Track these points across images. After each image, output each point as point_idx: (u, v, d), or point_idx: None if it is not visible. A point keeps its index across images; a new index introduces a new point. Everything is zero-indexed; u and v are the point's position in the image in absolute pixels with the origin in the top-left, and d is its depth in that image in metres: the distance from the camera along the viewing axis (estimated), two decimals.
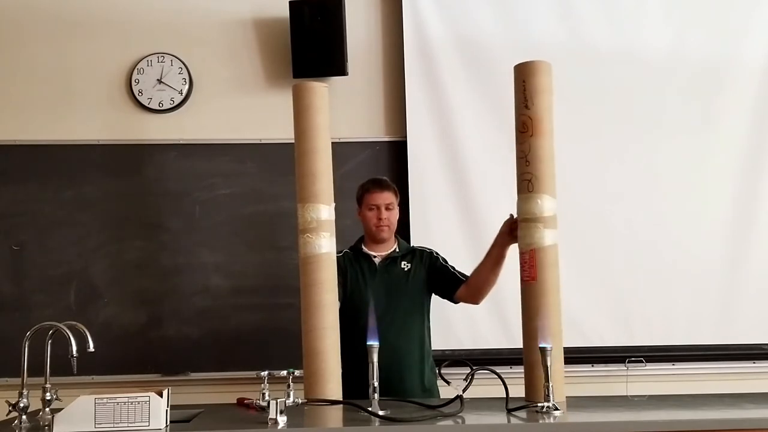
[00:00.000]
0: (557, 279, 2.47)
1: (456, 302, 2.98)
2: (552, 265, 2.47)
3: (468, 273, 2.93)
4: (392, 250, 2.97)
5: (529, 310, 2.49)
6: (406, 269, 2.94)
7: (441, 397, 2.83)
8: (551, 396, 2.26)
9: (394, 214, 2.96)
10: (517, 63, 2.59)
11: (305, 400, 2.37)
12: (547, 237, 2.46)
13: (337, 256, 2.87)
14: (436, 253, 3.02)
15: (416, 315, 2.92)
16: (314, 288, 2.52)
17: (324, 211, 2.56)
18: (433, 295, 3.01)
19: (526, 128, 2.54)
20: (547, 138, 2.53)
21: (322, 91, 2.65)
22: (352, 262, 2.96)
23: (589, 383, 3.43)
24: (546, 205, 2.48)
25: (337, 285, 2.60)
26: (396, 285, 2.91)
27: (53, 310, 3.47)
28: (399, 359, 2.81)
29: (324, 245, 2.54)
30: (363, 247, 2.98)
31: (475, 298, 2.90)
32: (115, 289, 3.57)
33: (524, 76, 2.57)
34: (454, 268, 2.98)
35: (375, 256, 2.96)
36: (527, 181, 2.52)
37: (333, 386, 2.47)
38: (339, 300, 2.62)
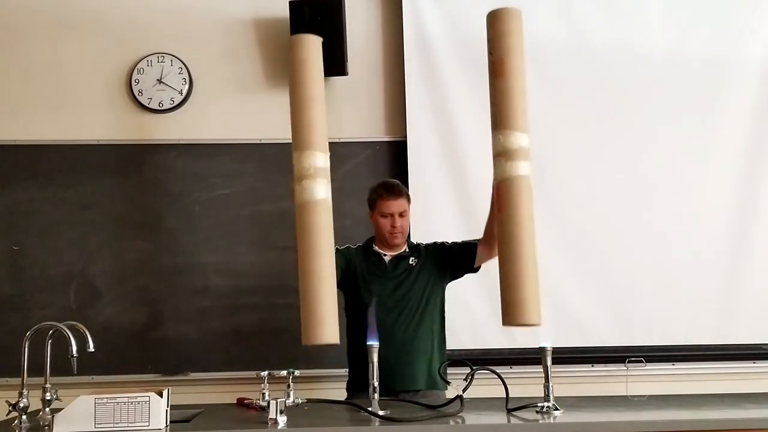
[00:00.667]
0: (529, 209, 2.42)
1: (477, 269, 2.96)
2: (518, 195, 2.41)
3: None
4: (402, 250, 2.98)
5: (500, 237, 2.45)
6: (413, 264, 2.94)
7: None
8: (551, 396, 2.26)
9: (407, 221, 2.96)
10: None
11: (305, 400, 2.37)
12: (510, 169, 2.42)
13: (345, 248, 2.87)
14: (435, 242, 3.02)
15: (426, 310, 2.91)
16: (311, 233, 2.48)
17: (321, 158, 2.54)
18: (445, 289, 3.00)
19: (491, 72, 2.55)
20: (509, 78, 2.50)
21: (316, 43, 2.67)
22: (361, 257, 2.97)
23: (589, 383, 3.43)
24: (509, 139, 2.45)
25: (333, 233, 2.54)
26: (405, 280, 2.91)
27: (53, 310, 3.47)
28: (408, 354, 2.82)
29: (321, 191, 2.51)
30: (374, 246, 2.99)
31: (493, 249, 2.81)
32: (115, 289, 3.57)
33: (489, 23, 2.62)
34: (457, 242, 2.99)
35: (385, 255, 2.97)
36: (493, 122, 2.53)
37: (330, 330, 2.39)
38: (337, 283, 2.59)
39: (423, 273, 2.93)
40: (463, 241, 2.99)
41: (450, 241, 3.02)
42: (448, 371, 2.86)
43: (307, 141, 2.56)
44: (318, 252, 2.45)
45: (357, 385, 2.52)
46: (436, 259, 2.96)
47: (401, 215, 2.93)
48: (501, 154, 2.45)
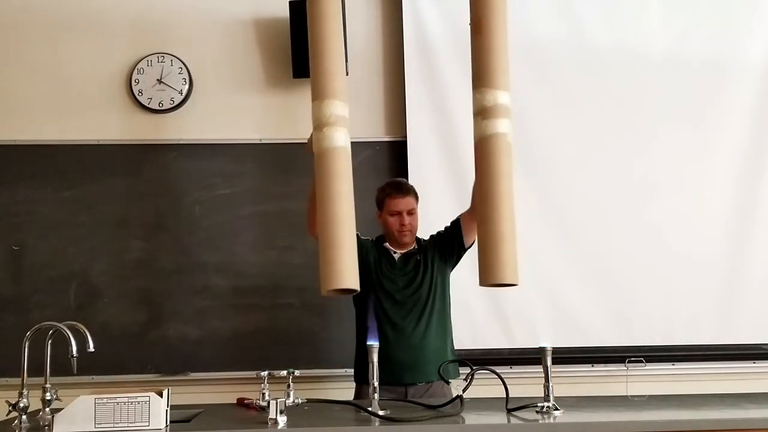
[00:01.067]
0: (506, 165, 2.38)
1: (470, 246, 2.94)
2: (496, 153, 2.37)
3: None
4: (412, 247, 3.01)
5: (478, 197, 2.43)
6: (419, 260, 2.96)
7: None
8: (551, 396, 2.26)
9: (416, 218, 2.98)
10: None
11: (305, 400, 2.37)
12: (486, 127, 2.38)
13: (361, 237, 2.85)
14: (431, 234, 3.05)
15: (435, 305, 2.93)
16: (331, 179, 2.40)
17: (340, 107, 2.47)
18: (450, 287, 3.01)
19: (471, 30, 2.50)
20: (488, 35, 2.45)
21: None
22: (374, 251, 2.99)
23: (589, 383, 3.43)
24: (486, 96, 2.40)
25: (352, 181, 2.48)
26: (414, 278, 2.94)
27: (53, 310, 3.46)
28: (420, 350, 2.85)
29: (340, 139, 2.44)
30: (384, 243, 3.01)
31: None
32: (115, 289, 3.56)
33: None
34: (447, 225, 3.03)
35: (395, 252, 2.99)
36: (473, 81, 2.47)
37: (350, 275, 2.35)
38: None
39: (429, 268, 2.95)
40: (448, 224, 3.02)
41: (443, 228, 3.04)
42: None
43: (327, 90, 2.47)
44: (338, 198, 2.39)
45: (365, 378, 2.48)
46: (434, 250, 2.99)
47: (410, 213, 2.95)
48: (479, 113, 2.42)
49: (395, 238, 2.98)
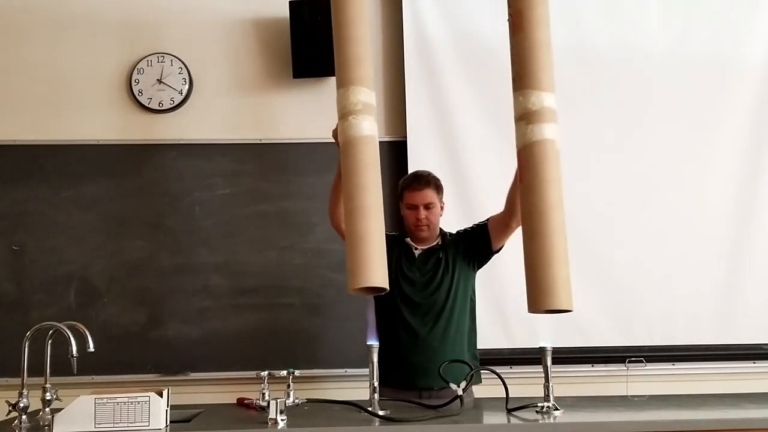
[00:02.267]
0: (554, 173, 2.22)
1: (499, 250, 2.87)
2: (542, 162, 2.20)
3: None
4: (434, 243, 2.92)
5: (524, 210, 2.27)
6: (441, 258, 2.87)
7: (475, 396, 2.78)
8: (551, 396, 2.26)
9: (435, 213, 2.87)
10: None
11: (305, 400, 2.37)
12: (532, 133, 2.22)
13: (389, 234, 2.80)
14: (458, 230, 2.96)
15: (455, 308, 2.85)
16: (357, 169, 2.26)
17: (366, 94, 2.34)
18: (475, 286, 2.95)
19: (510, 27, 2.32)
20: (529, 31, 2.28)
21: None
22: (395, 247, 2.87)
23: (589, 383, 3.43)
24: (530, 99, 2.23)
25: (380, 170, 2.37)
26: (433, 279, 2.85)
27: (53, 310, 3.46)
28: (437, 355, 2.73)
29: (367, 127, 2.30)
30: (406, 237, 2.94)
31: (513, 221, 2.67)
32: (115, 289, 3.56)
33: None
34: (474, 225, 2.92)
35: (416, 248, 2.91)
36: (513, 82, 2.30)
37: (379, 272, 2.20)
38: None
39: (450, 268, 2.86)
40: (476, 225, 2.92)
41: (470, 226, 2.94)
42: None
43: (353, 76, 2.34)
44: (365, 189, 2.25)
45: (383, 380, 2.41)
46: (458, 249, 2.89)
47: (427, 207, 2.85)
48: (522, 117, 2.24)
49: (412, 232, 2.90)
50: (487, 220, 2.89)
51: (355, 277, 2.17)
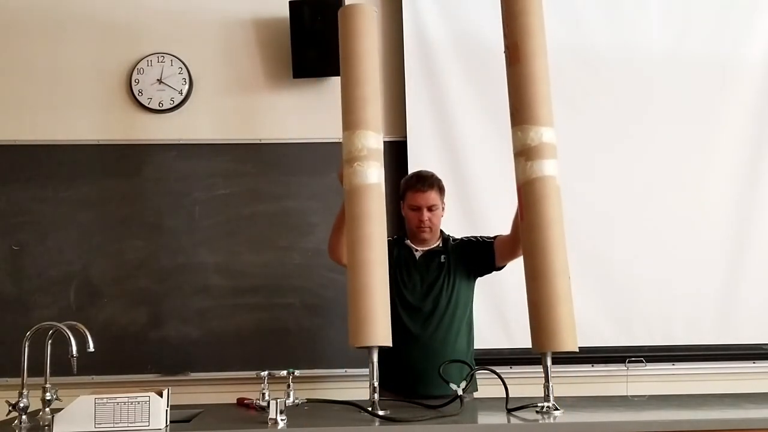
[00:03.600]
0: (555, 211, 2.22)
1: (500, 268, 2.86)
2: (543, 200, 2.20)
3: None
4: (435, 245, 2.91)
5: (525, 248, 2.27)
6: (443, 262, 2.86)
7: (475, 396, 2.79)
8: (551, 396, 2.26)
9: (437, 215, 2.86)
10: None
11: (305, 400, 2.37)
12: (531, 170, 2.22)
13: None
14: (462, 237, 2.95)
15: (456, 313, 2.84)
16: (362, 220, 2.25)
17: (373, 138, 2.30)
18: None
19: (506, 59, 2.30)
20: (526, 64, 2.25)
21: (370, 13, 2.38)
22: (395, 249, 2.86)
23: (589, 383, 3.43)
24: (528, 135, 2.22)
25: (385, 220, 2.36)
26: (433, 279, 2.84)
27: (53, 310, 3.47)
28: (433, 356, 2.73)
29: (373, 175, 2.28)
30: (406, 239, 2.93)
31: (517, 249, 2.58)
32: (115, 289, 3.56)
33: (503, 3, 2.36)
34: (481, 238, 2.90)
35: (417, 250, 2.90)
36: (511, 117, 2.28)
37: (382, 330, 2.18)
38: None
39: (452, 273, 2.85)
40: (483, 239, 2.90)
41: (476, 236, 2.93)
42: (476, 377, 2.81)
43: (359, 119, 2.30)
44: (369, 241, 2.23)
45: (383, 385, 2.40)
46: (461, 257, 2.88)
47: (430, 209, 2.83)
48: (521, 153, 2.23)
49: (413, 234, 2.89)
50: (494, 238, 2.87)
51: (356, 336, 2.18)
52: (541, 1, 2.33)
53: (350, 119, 2.32)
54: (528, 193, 2.23)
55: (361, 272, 2.21)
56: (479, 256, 2.87)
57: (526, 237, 2.24)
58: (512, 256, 2.76)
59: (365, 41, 2.35)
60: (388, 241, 2.66)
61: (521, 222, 2.29)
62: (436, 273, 2.85)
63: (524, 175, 2.24)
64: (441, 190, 2.89)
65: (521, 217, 2.29)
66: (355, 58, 2.33)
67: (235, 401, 2.60)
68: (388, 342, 2.20)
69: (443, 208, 2.92)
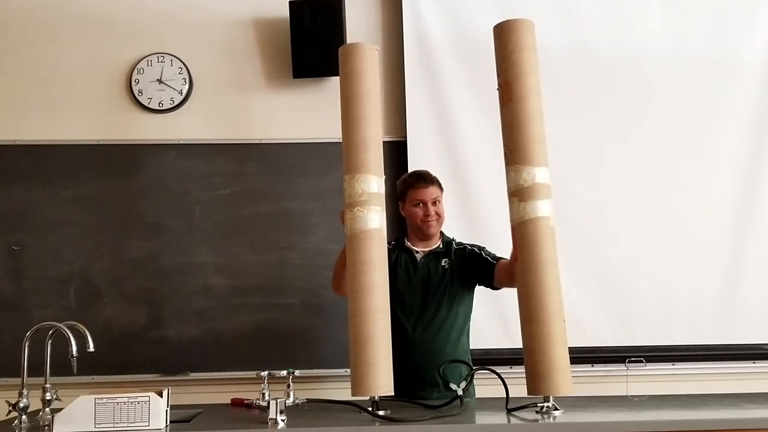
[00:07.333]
0: (549, 253, 2.22)
1: (497, 289, 2.85)
2: (537, 242, 2.20)
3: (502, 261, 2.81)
4: (435, 246, 2.90)
5: (520, 291, 2.27)
6: (446, 266, 2.85)
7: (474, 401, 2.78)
8: (551, 396, 2.26)
9: (441, 208, 2.87)
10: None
11: (305, 400, 2.37)
12: (524, 211, 2.22)
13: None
14: (466, 246, 2.93)
15: (454, 315, 2.83)
16: (363, 267, 2.23)
17: (374, 182, 2.29)
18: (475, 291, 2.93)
19: (501, 97, 2.28)
20: (519, 103, 2.23)
21: (372, 53, 2.36)
22: (394, 252, 2.86)
23: (589, 383, 3.42)
24: (522, 176, 2.22)
25: (387, 264, 2.37)
26: (435, 283, 2.83)
27: (53, 310, 3.46)
28: (433, 359, 2.72)
29: (374, 220, 2.27)
30: (406, 242, 2.92)
31: (514, 282, 2.52)
32: (115, 289, 3.56)
33: (495, 39, 2.32)
34: (484, 255, 2.88)
35: (417, 252, 2.89)
36: (505, 156, 2.28)
37: (384, 378, 2.18)
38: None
39: (454, 279, 2.84)
40: (486, 257, 2.87)
41: (480, 249, 2.90)
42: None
43: (360, 163, 2.28)
44: (370, 289, 2.22)
45: None
46: (464, 267, 2.86)
47: (434, 203, 2.84)
48: (515, 194, 2.23)
49: (419, 229, 2.86)
50: (496, 261, 2.83)
51: (358, 386, 2.19)
52: (534, 38, 2.30)
53: (351, 163, 2.31)
54: (522, 234, 2.23)
55: (363, 321, 2.21)
56: (480, 273, 2.86)
57: (520, 279, 2.25)
58: (509, 285, 2.73)
59: (367, 82, 2.32)
60: (388, 248, 2.64)
61: (516, 262, 2.29)
62: (437, 276, 2.85)
63: (518, 215, 2.25)
64: (440, 186, 2.91)
65: (516, 257, 2.29)
66: (356, 99, 2.31)
67: (230, 402, 2.60)
68: (389, 391, 2.22)
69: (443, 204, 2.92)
